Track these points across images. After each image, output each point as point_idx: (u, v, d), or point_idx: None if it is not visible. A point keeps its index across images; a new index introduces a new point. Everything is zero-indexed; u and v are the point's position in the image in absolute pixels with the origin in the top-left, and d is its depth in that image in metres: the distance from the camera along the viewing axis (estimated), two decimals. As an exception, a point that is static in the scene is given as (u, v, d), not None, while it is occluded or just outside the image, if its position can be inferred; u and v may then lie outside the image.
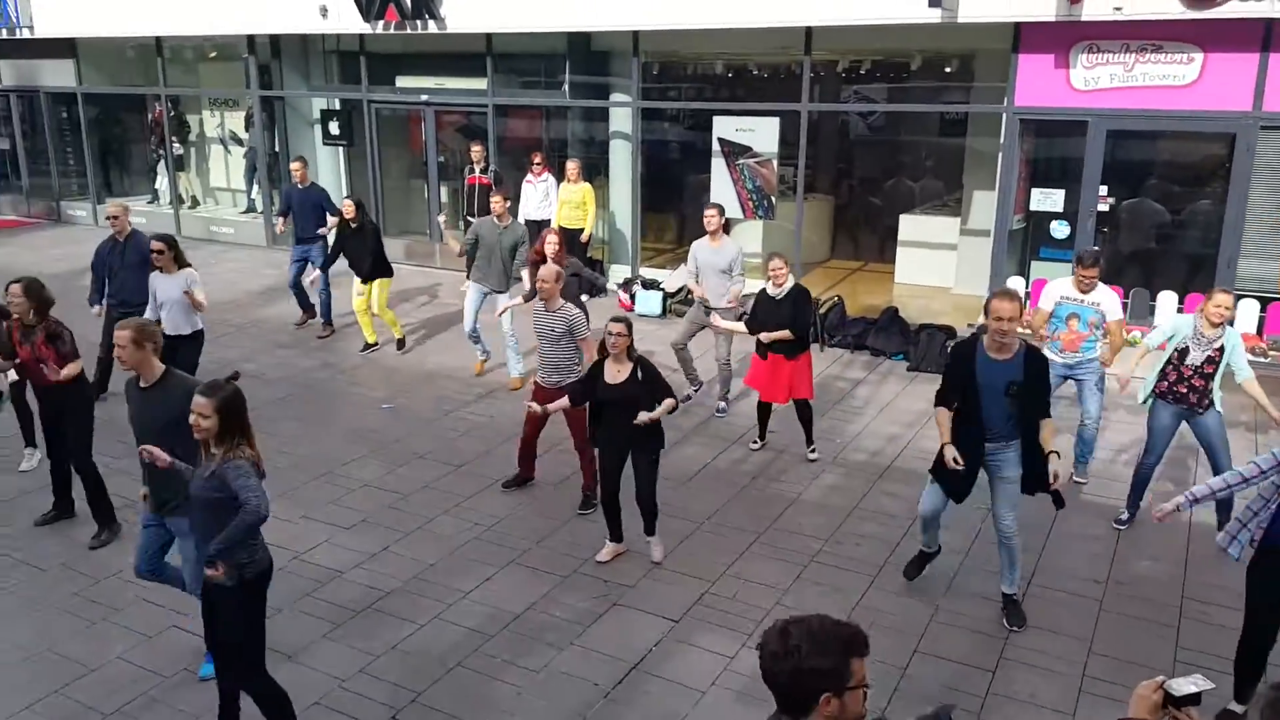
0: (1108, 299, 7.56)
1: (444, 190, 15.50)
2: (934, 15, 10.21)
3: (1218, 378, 6.76)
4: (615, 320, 6.45)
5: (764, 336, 8.01)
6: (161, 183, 18.49)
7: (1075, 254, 8.36)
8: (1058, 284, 7.71)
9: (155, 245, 8.39)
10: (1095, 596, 6.32)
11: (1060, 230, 10.80)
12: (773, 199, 12.49)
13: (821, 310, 11.56)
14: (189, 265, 8.55)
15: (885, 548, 6.87)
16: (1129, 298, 10.61)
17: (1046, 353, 7.60)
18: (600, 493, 6.75)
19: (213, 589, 4.58)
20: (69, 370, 6.76)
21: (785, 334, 7.95)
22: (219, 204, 18.51)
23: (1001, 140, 10.96)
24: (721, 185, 12.65)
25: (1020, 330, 5.83)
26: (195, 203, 18.42)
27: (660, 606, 6.20)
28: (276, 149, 16.59)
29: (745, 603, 6.24)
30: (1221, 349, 6.70)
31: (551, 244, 8.87)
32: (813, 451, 8.32)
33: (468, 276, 10.37)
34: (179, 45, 17.56)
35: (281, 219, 12.04)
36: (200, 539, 4.65)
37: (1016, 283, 11.13)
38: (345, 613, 6.11)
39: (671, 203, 15.63)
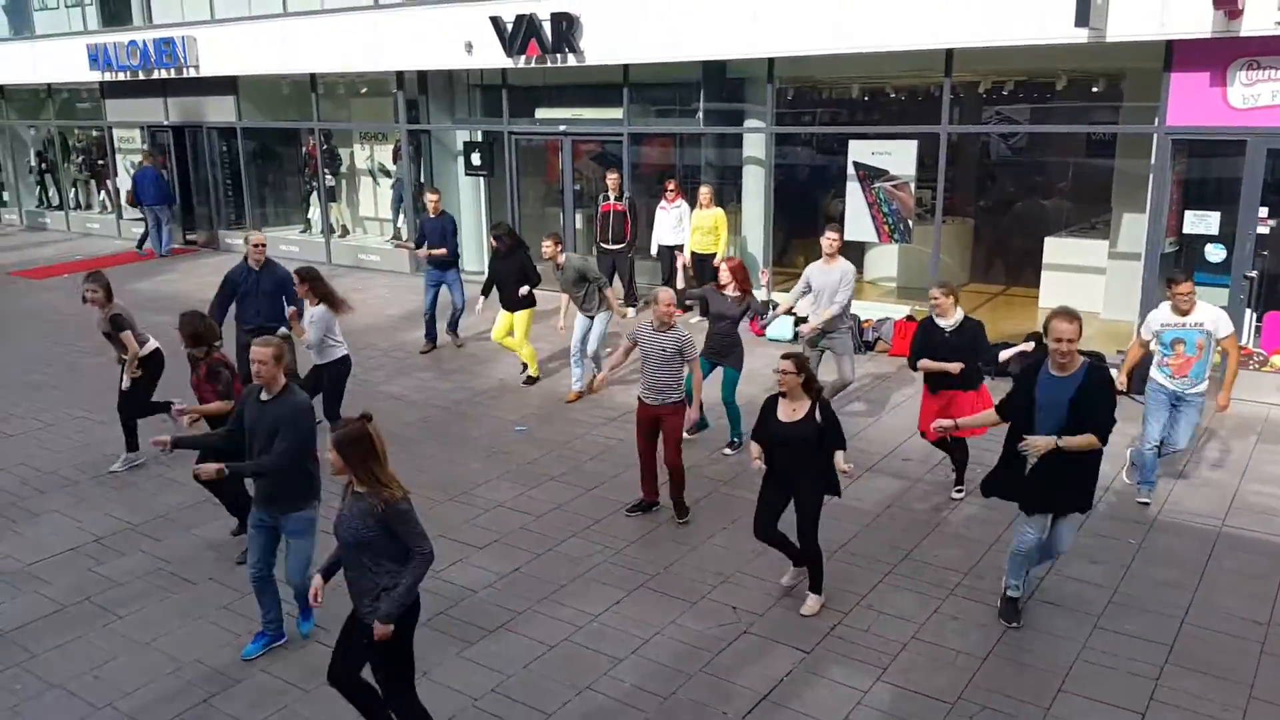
0: (1210, 316, 7.41)
1: (579, 217, 15.76)
2: (1081, 35, 9.89)
3: None
4: (785, 358, 6.21)
5: (925, 364, 7.56)
6: (314, 213, 19.35)
7: (1166, 277, 8.16)
8: (1156, 313, 7.63)
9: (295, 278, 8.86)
10: (1256, 639, 5.95)
11: (1216, 254, 10.28)
12: (909, 222, 12.26)
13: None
14: (329, 302, 8.70)
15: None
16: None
17: (1156, 374, 7.56)
18: (754, 528, 6.45)
19: (364, 627, 4.71)
20: (204, 408, 7.10)
21: (953, 367, 7.47)
22: (367, 233, 19.22)
23: (1153, 161, 10.51)
24: (857, 209, 12.49)
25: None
26: (345, 232, 19.18)
27: (791, 636, 6.11)
28: (422, 180, 17.16)
29: (880, 635, 6.10)
30: None
31: (725, 273, 8.88)
32: (959, 491, 8.02)
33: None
34: (332, 82, 18.39)
35: (417, 247, 12.51)
36: (355, 575, 4.71)
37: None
38: (478, 632, 6.22)
39: (804, 227, 15.50)
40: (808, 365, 6.27)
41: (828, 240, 9.13)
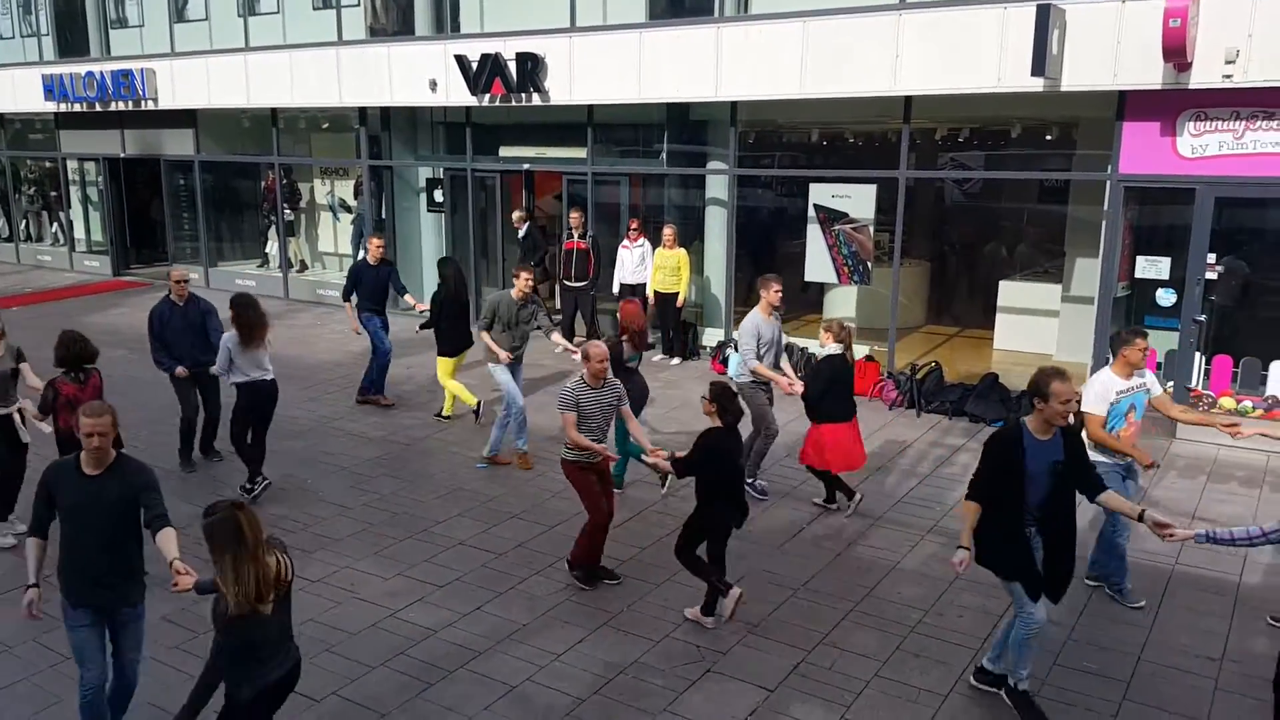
0: (1149, 374, 6.88)
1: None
2: (1037, 84, 10.14)
3: None
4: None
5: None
6: (272, 247, 19.20)
7: (1119, 333, 6.96)
8: (1104, 379, 6.70)
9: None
10: (1210, 675, 6.03)
11: (1166, 298, 10.54)
12: (869, 264, 12.43)
13: (919, 375, 11.43)
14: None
15: (989, 619, 6.65)
16: (1238, 367, 10.27)
17: (1099, 457, 6.55)
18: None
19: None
20: None
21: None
22: (326, 268, 19.12)
23: (1105, 207, 10.77)
24: (817, 251, 12.66)
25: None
26: (304, 267, 19.06)
27: (755, 674, 6.10)
28: (384, 215, 17.12)
29: (843, 673, 6.11)
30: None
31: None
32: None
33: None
34: (293, 116, 18.34)
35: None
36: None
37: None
38: (438, 672, 6.14)
39: (766, 268, 15.63)
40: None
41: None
